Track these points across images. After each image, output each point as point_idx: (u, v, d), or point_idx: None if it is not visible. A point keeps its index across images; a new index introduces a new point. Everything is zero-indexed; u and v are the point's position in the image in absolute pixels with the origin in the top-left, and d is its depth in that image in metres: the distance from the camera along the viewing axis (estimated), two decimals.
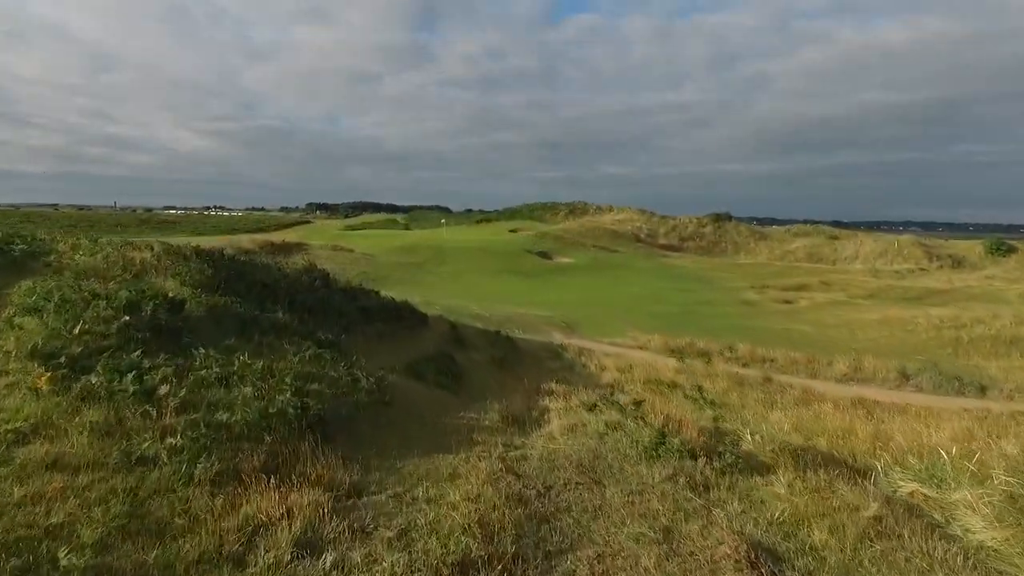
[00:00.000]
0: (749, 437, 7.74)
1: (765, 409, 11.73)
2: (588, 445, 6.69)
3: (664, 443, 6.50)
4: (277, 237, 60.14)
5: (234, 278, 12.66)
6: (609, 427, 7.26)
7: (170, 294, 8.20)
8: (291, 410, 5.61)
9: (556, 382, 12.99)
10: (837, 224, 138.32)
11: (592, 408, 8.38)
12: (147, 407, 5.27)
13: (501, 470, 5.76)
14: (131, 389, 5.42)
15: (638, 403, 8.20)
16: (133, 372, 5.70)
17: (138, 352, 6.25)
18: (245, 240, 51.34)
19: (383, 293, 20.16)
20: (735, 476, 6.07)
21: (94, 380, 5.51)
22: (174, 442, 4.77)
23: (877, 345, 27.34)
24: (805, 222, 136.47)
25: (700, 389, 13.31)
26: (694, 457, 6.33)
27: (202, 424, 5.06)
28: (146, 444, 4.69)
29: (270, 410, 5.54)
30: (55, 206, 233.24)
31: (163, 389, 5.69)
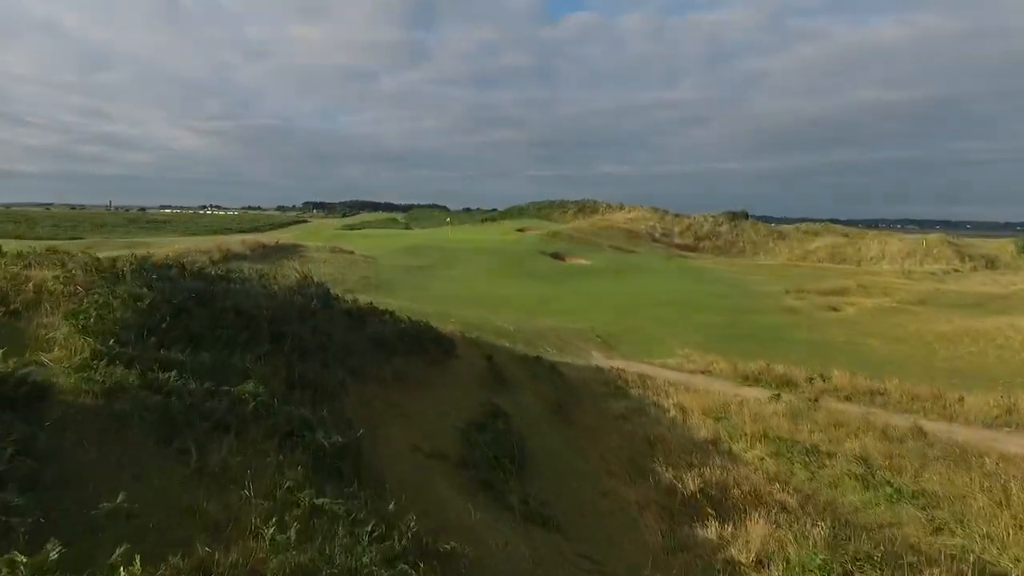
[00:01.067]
0: None
1: (998, 507, 7.71)
2: None
3: None
4: (271, 238, 55.88)
5: (192, 305, 8.62)
6: None
7: (23, 370, 4.15)
8: None
9: (662, 459, 8.99)
10: (835, 222, 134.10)
11: None
12: None
13: None
14: None
15: None
16: None
17: None
18: (235, 241, 47.04)
19: (397, 312, 16.10)
20: None
21: None
22: None
23: (970, 365, 23.48)
24: (802, 220, 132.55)
25: (866, 462, 9.30)
26: None
27: None
28: None
29: None
30: (48, 206, 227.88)
31: None
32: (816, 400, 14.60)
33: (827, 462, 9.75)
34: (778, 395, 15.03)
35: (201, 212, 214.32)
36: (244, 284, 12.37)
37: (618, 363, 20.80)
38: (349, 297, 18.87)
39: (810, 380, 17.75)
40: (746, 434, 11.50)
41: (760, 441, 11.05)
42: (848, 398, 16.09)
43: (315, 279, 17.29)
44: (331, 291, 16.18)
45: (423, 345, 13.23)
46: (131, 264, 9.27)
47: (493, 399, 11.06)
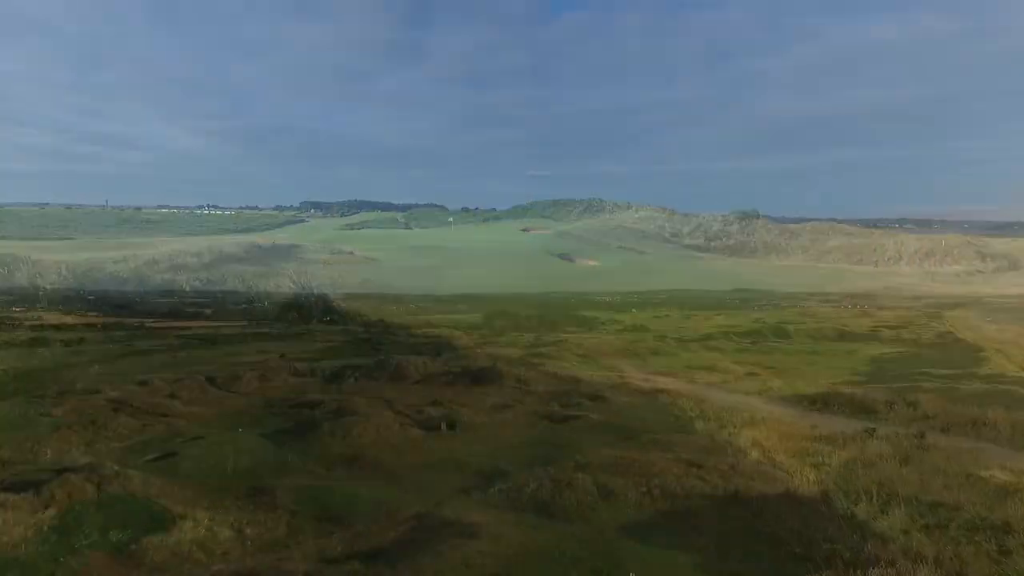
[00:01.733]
0: None
1: None
2: None
3: None
4: (267, 238, 53.40)
5: (142, 340, 6.32)
6: None
7: None
8: None
9: (786, 540, 6.51)
10: (836, 222, 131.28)
11: None
12: None
13: None
14: None
15: None
16: None
17: None
18: (229, 243, 44.56)
19: (411, 326, 13.64)
20: None
21: None
22: None
23: None
24: (803, 219, 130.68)
25: None
26: None
27: None
28: None
29: None
30: (44, 205, 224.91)
31: None
32: (922, 436, 12.10)
33: (1007, 541, 7.24)
34: (873, 429, 12.52)
35: (198, 212, 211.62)
36: (226, 297, 9.81)
37: (658, 380, 18.36)
38: (352, 306, 16.46)
39: (890, 405, 15.30)
40: (868, 491, 8.95)
41: (892, 503, 8.51)
42: (945, 430, 13.62)
43: (314, 286, 14.81)
44: (332, 299, 13.73)
45: (451, 372, 10.74)
46: (63, 276, 6.76)
47: (549, 437, 8.57)
